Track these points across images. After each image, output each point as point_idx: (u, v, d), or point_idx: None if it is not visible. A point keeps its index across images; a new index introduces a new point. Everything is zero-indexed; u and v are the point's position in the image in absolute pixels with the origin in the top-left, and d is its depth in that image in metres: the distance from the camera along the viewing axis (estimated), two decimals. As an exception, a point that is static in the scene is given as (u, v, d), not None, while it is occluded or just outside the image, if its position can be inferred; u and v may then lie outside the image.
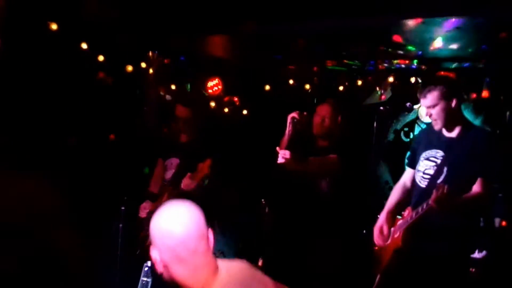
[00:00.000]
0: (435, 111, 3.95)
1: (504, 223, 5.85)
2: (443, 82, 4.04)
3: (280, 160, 4.55)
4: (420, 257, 3.93)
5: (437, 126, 4.04)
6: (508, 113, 6.43)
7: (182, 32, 6.20)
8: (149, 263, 4.16)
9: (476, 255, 5.77)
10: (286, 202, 5.21)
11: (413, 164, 4.28)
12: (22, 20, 5.45)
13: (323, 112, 5.18)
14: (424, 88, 3.99)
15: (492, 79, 6.86)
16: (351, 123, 5.69)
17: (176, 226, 2.36)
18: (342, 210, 5.01)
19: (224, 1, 5.56)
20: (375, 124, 7.20)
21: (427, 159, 4.09)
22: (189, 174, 5.18)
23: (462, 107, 7.02)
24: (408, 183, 4.33)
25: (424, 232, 3.91)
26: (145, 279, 5.00)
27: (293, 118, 4.98)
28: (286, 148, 4.75)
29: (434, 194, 3.63)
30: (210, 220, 6.81)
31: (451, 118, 4.00)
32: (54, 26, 5.78)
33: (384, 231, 4.20)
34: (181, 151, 5.64)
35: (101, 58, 6.34)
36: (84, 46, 6.16)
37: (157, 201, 5.27)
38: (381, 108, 5.12)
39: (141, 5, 5.66)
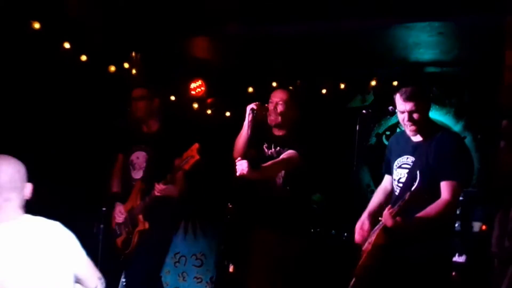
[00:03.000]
0: (417, 115, 3.91)
1: (484, 227, 5.89)
2: (421, 84, 4.00)
3: (239, 172, 4.38)
4: (394, 260, 3.93)
5: (414, 131, 3.98)
6: (489, 118, 6.47)
7: (165, 33, 6.19)
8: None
9: (457, 259, 5.81)
10: (246, 207, 5.02)
11: (388, 171, 4.26)
12: (4, 19, 5.42)
13: (276, 98, 4.84)
14: (403, 92, 3.90)
15: (473, 84, 6.92)
16: (310, 113, 5.49)
17: None
18: (300, 206, 4.88)
19: (207, 3, 5.56)
20: (357, 127, 7.23)
21: (400, 167, 4.06)
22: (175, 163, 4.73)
23: (444, 111, 7.12)
24: (389, 187, 4.33)
25: (396, 236, 3.89)
26: (124, 279, 4.99)
27: (252, 109, 4.65)
28: (248, 144, 4.61)
29: (384, 213, 3.69)
30: (192, 220, 6.74)
31: (427, 121, 3.99)
32: (36, 25, 5.74)
33: (364, 226, 4.19)
34: (148, 143, 5.07)
35: (83, 58, 6.30)
36: (66, 45, 6.12)
37: (127, 201, 4.95)
38: (364, 111, 5.11)
39: (124, 6, 5.64)
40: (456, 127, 7.04)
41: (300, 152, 4.67)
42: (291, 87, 7.19)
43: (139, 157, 5.08)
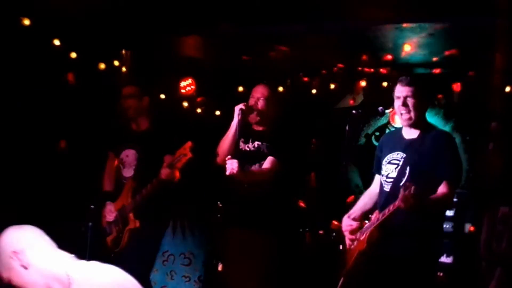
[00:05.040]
0: (411, 101, 3.92)
1: (472, 228, 5.92)
2: (422, 81, 4.05)
3: (229, 172, 4.39)
4: (385, 259, 3.94)
5: (407, 120, 3.99)
6: (478, 119, 6.50)
7: (156, 31, 6.18)
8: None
9: (445, 259, 5.83)
10: (230, 207, 5.01)
11: (378, 170, 4.28)
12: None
13: (258, 94, 4.83)
14: (402, 79, 3.93)
15: (463, 86, 6.94)
16: (290, 111, 5.48)
17: None
18: (281, 208, 4.88)
19: (198, 2, 5.55)
20: (346, 128, 7.25)
21: (389, 162, 4.08)
22: (167, 162, 4.63)
23: (433, 113, 7.14)
24: (377, 189, 4.34)
25: (389, 234, 3.91)
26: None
27: (241, 109, 4.64)
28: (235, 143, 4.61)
29: (401, 194, 3.63)
30: (180, 219, 6.73)
31: (421, 117, 4.00)
32: (26, 22, 5.71)
33: (352, 216, 4.20)
34: (138, 141, 5.04)
35: (73, 55, 6.28)
36: (56, 42, 6.10)
37: (118, 200, 4.91)
38: (354, 112, 5.14)
39: (115, 3, 5.62)
40: (445, 128, 7.05)
41: (279, 158, 4.68)
42: (281, 87, 7.23)
43: (129, 155, 5.04)
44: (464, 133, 6.94)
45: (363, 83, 7.24)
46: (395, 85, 3.98)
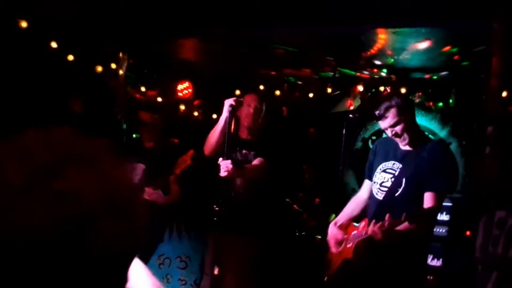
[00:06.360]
0: (399, 128, 3.92)
1: (468, 232, 5.92)
2: (398, 97, 4.00)
3: (223, 173, 4.39)
4: (370, 270, 3.95)
5: (404, 141, 4.00)
6: (474, 124, 6.50)
7: (153, 34, 6.18)
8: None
9: (437, 263, 5.83)
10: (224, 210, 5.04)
11: (370, 175, 4.27)
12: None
13: (254, 102, 4.92)
14: (380, 108, 3.90)
15: (459, 90, 6.95)
16: (275, 119, 5.55)
17: None
18: (264, 210, 4.90)
19: (196, 5, 5.55)
20: (343, 132, 7.25)
21: (384, 171, 4.08)
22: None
23: (429, 117, 7.15)
24: (365, 195, 4.33)
25: (377, 248, 3.90)
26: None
27: (231, 105, 4.64)
28: (227, 138, 4.63)
29: (371, 226, 3.69)
30: (177, 222, 6.73)
31: (415, 132, 4.01)
32: (23, 24, 5.71)
33: (338, 236, 4.20)
34: (146, 156, 5.47)
35: (70, 57, 6.28)
36: (53, 45, 6.09)
37: None
38: (350, 116, 5.13)
39: (113, 6, 5.62)
40: (442, 132, 7.07)
41: (267, 159, 4.72)
42: (278, 91, 7.25)
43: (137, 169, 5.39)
44: (460, 137, 6.95)
45: (360, 88, 7.25)
46: (391, 91, 4.01)
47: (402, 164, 3.99)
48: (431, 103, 6.99)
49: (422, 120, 6.93)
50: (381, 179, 4.06)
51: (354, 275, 3.99)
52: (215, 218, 4.85)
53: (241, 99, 4.79)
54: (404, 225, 3.64)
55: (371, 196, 4.16)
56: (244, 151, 4.84)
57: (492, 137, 5.38)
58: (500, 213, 5.16)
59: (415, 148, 3.98)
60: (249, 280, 4.71)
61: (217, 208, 4.85)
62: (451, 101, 7.02)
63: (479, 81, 6.28)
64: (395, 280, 3.87)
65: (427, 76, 7.07)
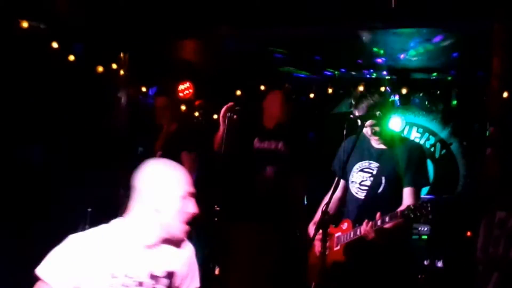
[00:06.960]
0: (380, 127, 3.94)
1: (469, 233, 5.92)
2: (378, 96, 4.00)
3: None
4: (363, 272, 3.94)
5: (378, 141, 4.02)
6: (475, 124, 6.51)
7: (154, 35, 6.18)
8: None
9: (440, 264, 5.84)
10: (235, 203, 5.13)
11: (345, 176, 4.22)
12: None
13: (276, 96, 5.20)
14: (361, 106, 3.93)
15: (460, 90, 6.95)
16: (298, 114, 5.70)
17: None
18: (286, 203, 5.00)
19: (197, 6, 5.56)
20: (344, 132, 7.24)
21: (362, 170, 4.07)
22: None
23: (430, 117, 7.15)
24: (339, 194, 4.30)
25: (369, 247, 3.89)
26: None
27: (229, 116, 4.81)
28: (225, 143, 4.71)
29: (363, 226, 3.71)
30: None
31: (388, 131, 4.02)
32: (25, 24, 5.71)
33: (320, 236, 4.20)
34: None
35: (71, 58, 6.28)
36: (55, 45, 6.09)
37: None
38: (351, 116, 5.10)
39: (114, 7, 5.63)
40: (443, 133, 7.08)
41: (288, 144, 4.96)
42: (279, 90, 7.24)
43: None
44: (461, 138, 6.96)
45: (361, 88, 7.25)
46: (372, 90, 4.05)
47: (379, 163, 4.00)
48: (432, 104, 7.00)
49: (423, 120, 6.94)
50: (360, 178, 4.06)
51: (347, 278, 3.97)
52: (215, 219, 4.87)
53: (237, 108, 4.86)
54: (394, 221, 3.66)
55: (350, 195, 4.14)
56: (273, 141, 5.02)
57: (493, 137, 5.38)
58: (500, 214, 5.16)
59: (389, 146, 4.00)
60: (260, 266, 4.81)
61: (217, 208, 4.88)
62: (452, 101, 7.02)
63: (480, 82, 6.28)
64: (388, 279, 3.87)
65: (428, 76, 7.08)
